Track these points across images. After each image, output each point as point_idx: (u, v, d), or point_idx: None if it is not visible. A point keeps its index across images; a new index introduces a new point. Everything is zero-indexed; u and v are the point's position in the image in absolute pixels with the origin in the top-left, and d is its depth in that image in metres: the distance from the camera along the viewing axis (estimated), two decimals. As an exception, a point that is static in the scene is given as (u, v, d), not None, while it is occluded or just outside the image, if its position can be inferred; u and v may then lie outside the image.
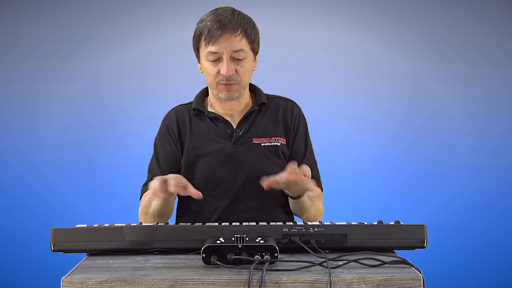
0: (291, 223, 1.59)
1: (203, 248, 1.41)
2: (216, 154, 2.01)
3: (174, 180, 1.68)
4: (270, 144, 2.03)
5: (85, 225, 1.60)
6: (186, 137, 2.05)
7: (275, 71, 3.16)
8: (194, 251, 1.53)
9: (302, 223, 1.59)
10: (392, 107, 3.44)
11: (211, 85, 1.99)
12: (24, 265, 3.29)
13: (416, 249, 1.59)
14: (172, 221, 2.06)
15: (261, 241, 1.43)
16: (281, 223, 1.60)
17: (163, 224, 1.62)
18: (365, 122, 3.42)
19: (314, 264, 1.41)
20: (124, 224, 1.60)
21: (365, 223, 1.62)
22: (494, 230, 3.35)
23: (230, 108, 2.05)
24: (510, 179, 3.41)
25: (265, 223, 1.62)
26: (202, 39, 1.93)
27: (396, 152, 3.45)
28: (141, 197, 2.09)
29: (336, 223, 1.61)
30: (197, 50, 2.00)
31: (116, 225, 1.60)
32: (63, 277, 1.35)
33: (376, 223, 1.63)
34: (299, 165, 2.03)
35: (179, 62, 3.34)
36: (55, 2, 3.42)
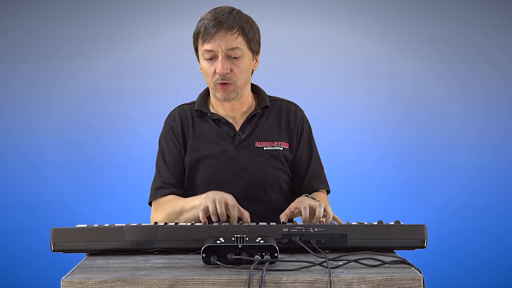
0: (291, 223, 1.59)
1: (203, 248, 1.41)
2: (218, 157, 1.99)
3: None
4: (273, 148, 2.02)
5: (85, 225, 1.60)
6: (189, 138, 2.04)
7: (275, 71, 3.16)
8: (194, 251, 1.53)
9: (302, 223, 1.58)
10: (392, 107, 3.44)
11: (209, 85, 1.98)
12: (24, 265, 3.29)
13: (416, 249, 1.59)
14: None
15: (261, 241, 1.43)
16: (281, 223, 1.60)
17: (163, 224, 1.62)
18: (365, 122, 3.42)
19: (314, 264, 1.40)
20: (124, 224, 1.60)
21: (365, 223, 1.62)
22: (494, 230, 3.35)
23: (232, 109, 2.03)
24: (510, 179, 3.41)
25: (265, 223, 1.61)
26: (199, 37, 1.93)
27: (396, 152, 3.45)
28: (152, 199, 2.05)
29: (336, 223, 1.61)
30: (196, 50, 1.99)
31: (116, 225, 1.60)
32: (63, 277, 1.35)
33: (376, 223, 1.63)
34: (304, 171, 2.06)
35: (179, 62, 3.34)
36: (55, 2, 3.42)
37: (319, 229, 1.56)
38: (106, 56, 3.43)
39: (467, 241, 3.35)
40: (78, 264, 1.48)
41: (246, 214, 1.72)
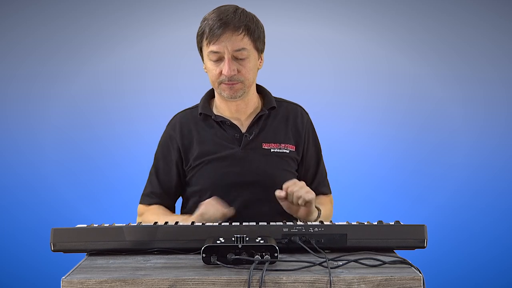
0: (291, 223, 1.59)
1: (203, 248, 1.41)
2: (225, 159, 1.98)
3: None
4: (280, 150, 2.00)
5: (85, 225, 1.60)
6: (192, 144, 2.01)
7: (275, 71, 3.16)
8: (194, 251, 1.53)
9: (302, 223, 1.58)
10: (392, 107, 3.44)
11: (213, 84, 1.96)
12: (24, 265, 3.29)
13: (416, 249, 1.59)
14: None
15: (261, 241, 1.43)
16: (281, 223, 1.60)
17: (163, 224, 1.62)
18: (365, 122, 3.42)
19: (314, 264, 1.41)
20: (124, 224, 1.60)
21: (365, 223, 1.62)
22: (494, 230, 3.35)
23: (237, 110, 2.01)
24: (510, 179, 3.41)
25: (265, 223, 1.61)
26: (204, 38, 1.90)
27: (396, 152, 3.45)
28: (140, 202, 2.08)
29: (336, 223, 1.61)
30: (200, 50, 1.97)
31: (116, 225, 1.60)
32: (63, 277, 1.35)
33: (376, 223, 1.63)
34: (312, 176, 2.08)
35: (180, 62, 3.34)
36: (55, 2, 3.42)
37: (319, 229, 1.56)
38: (106, 56, 3.43)
39: (467, 241, 3.35)
40: (78, 264, 1.48)
41: None
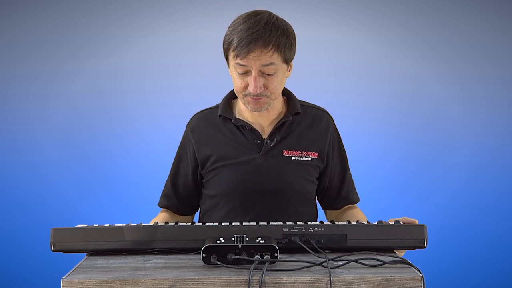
0: (291, 223, 1.59)
1: (203, 248, 1.41)
2: (243, 165, 1.91)
3: None
4: (301, 158, 1.93)
5: (85, 225, 1.59)
6: (210, 147, 1.95)
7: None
8: (194, 251, 1.53)
9: (302, 223, 1.58)
10: (392, 107, 3.44)
11: (238, 94, 1.87)
12: (24, 265, 3.29)
13: (416, 249, 1.59)
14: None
15: (261, 241, 1.43)
16: (281, 223, 1.60)
17: (163, 224, 1.62)
18: (365, 122, 3.42)
19: (314, 264, 1.40)
20: (124, 224, 1.60)
21: (365, 223, 1.62)
22: (494, 230, 3.36)
23: (259, 115, 1.91)
24: (510, 179, 3.41)
25: (265, 223, 1.61)
26: (231, 49, 1.79)
27: (396, 152, 3.45)
28: (159, 204, 2.07)
29: (336, 223, 1.61)
30: (226, 57, 1.87)
31: (116, 225, 1.60)
32: (63, 277, 1.35)
33: (376, 223, 1.63)
34: (339, 184, 2.03)
35: (180, 62, 3.34)
36: (55, 2, 3.42)
37: (319, 229, 1.56)
38: (106, 56, 3.43)
39: (467, 241, 3.35)
40: (78, 264, 1.48)
41: None
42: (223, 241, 1.43)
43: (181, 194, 2.03)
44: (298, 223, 1.59)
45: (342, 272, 1.38)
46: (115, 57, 3.43)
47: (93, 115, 3.43)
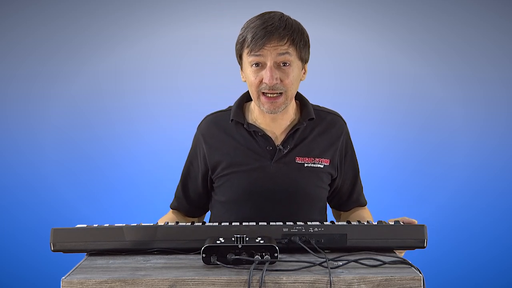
0: (291, 223, 1.59)
1: (203, 248, 1.41)
2: (254, 171, 1.88)
3: None
4: (314, 165, 1.90)
5: (85, 225, 1.60)
6: (220, 151, 1.92)
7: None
8: (194, 251, 1.53)
9: (302, 223, 1.58)
10: (392, 107, 3.44)
11: (253, 95, 1.84)
12: (24, 265, 3.29)
13: (416, 249, 1.59)
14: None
15: (261, 241, 1.43)
16: (281, 223, 1.60)
17: (163, 224, 1.62)
18: (366, 122, 3.42)
19: (314, 264, 1.40)
20: (124, 224, 1.60)
21: (365, 223, 1.62)
22: (494, 230, 3.36)
23: (273, 120, 1.89)
24: (510, 179, 3.41)
25: (265, 223, 1.61)
26: (245, 45, 1.79)
27: (396, 152, 3.45)
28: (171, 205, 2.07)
29: (336, 223, 1.61)
30: (239, 57, 1.85)
31: (116, 225, 1.60)
32: (63, 277, 1.35)
33: (376, 223, 1.63)
34: (350, 188, 2.03)
35: (180, 62, 3.34)
36: (55, 2, 3.42)
37: (319, 229, 1.56)
38: (106, 56, 3.43)
39: (467, 241, 3.35)
40: (78, 264, 1.48)
41: None
42: (223, 241, 1.43)
43: (191, 197, 2.03)
44: (298, 223, 1.59)
45: (342, 272, 1.38)
46: (115, 57, 3.43)
47: (93, 115, 3.43)
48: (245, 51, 1.80)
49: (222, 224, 1.62)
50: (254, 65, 1.79)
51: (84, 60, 3.42)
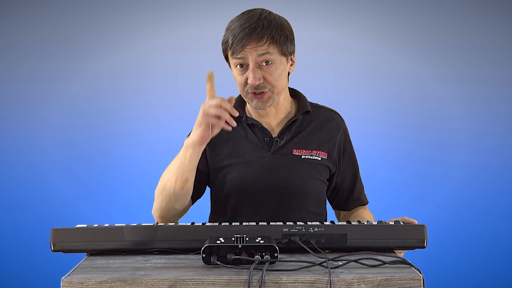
0: (291, 223, 1.59)
1: (203, 248, 1.41)
2: (253, 163, 1.91)
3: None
4: (311, 157, 1.92)
5: (85, 225, 1.59)
6: (221, 143, 1.94)
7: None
8: (194, 251, 1.53)
9: (302, 223, 1.58)
10: (392, 107, 3.44)
11: (241, 93, 1.89)
12: (24, 265, 3.29)
13: (416, 249, 1.59)
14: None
15: (261, 241, 1.43)
16: (281, 223, 1.60)
17: (163, 224, 1.62)
18: (365, 122, 3.42)
19: (314, 264, 1.40)
20: (124, 224, 1.60)
21: (365, 223, 1.62)
22: (494, 230, 3.36)
23: (267, 114, 1.94)
24: (510, 179, 3.41)
25: (265, 223, 1.61)
26: (228, 48, 1.84)
27: (396, 152, 3.45)
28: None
29: (336, 223, 1.61)
30: (226, 58, 1.90)
31: (116, 225, 1.60)
32: (63, 277, 1.35)
33: (376, 223, 1.63)
34: (351, 185, 2.03)
35: (180, 62, 3.34)
36: (55, 2, 3.42)
37: (319, 229, 1.56)
38: (106, 56, 3.43)
39: (467, 241, 3.35)
40: (78, 264, 1.48)
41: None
42: (223, 241, 1.43)
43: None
44: (298, 223, 1.59)
45: (342, 272, 1.38)
46: (115, 57, 3.43)
47: (93, 115, 3.43)
48: (229, 53, 1.85)
49: (222, 224, 1.62)
50: (238, 66, 1.84)
51: (84, 60, 3.42)
